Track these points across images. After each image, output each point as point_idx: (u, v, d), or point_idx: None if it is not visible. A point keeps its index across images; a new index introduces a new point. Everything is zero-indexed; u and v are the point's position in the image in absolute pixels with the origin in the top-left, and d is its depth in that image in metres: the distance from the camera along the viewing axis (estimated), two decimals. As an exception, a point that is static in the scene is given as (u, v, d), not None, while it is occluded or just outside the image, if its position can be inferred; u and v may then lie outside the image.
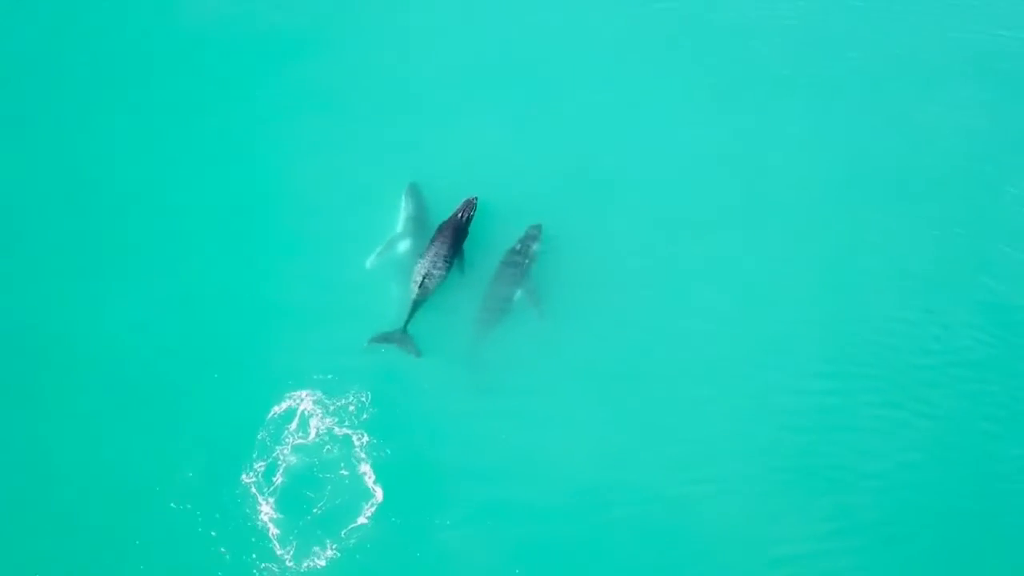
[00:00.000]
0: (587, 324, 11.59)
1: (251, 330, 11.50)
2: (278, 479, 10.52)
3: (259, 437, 10.74)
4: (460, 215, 11.75)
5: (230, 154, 12.74)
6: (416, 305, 11.20)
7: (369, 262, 11.78)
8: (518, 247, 11.72)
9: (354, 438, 10.79)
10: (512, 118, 13.09)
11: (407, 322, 11.15)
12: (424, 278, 11.25)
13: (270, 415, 10.85)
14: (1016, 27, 14.05)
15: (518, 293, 11.53)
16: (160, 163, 12.62)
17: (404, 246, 11.92)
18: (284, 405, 10.93)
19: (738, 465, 10.87)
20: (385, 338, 11.13)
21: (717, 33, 13.88)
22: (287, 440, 10.74)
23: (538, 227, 11.87)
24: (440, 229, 11.72)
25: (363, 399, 10.99)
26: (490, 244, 11.96)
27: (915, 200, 12.62)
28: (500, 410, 11.05)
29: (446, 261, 11.46)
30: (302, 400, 10.95)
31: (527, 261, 11.63)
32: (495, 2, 14.10)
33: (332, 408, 10.94)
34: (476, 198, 11.92)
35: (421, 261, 11.43)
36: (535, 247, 11.71)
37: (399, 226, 12.08)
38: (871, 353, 11.48)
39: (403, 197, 12.25)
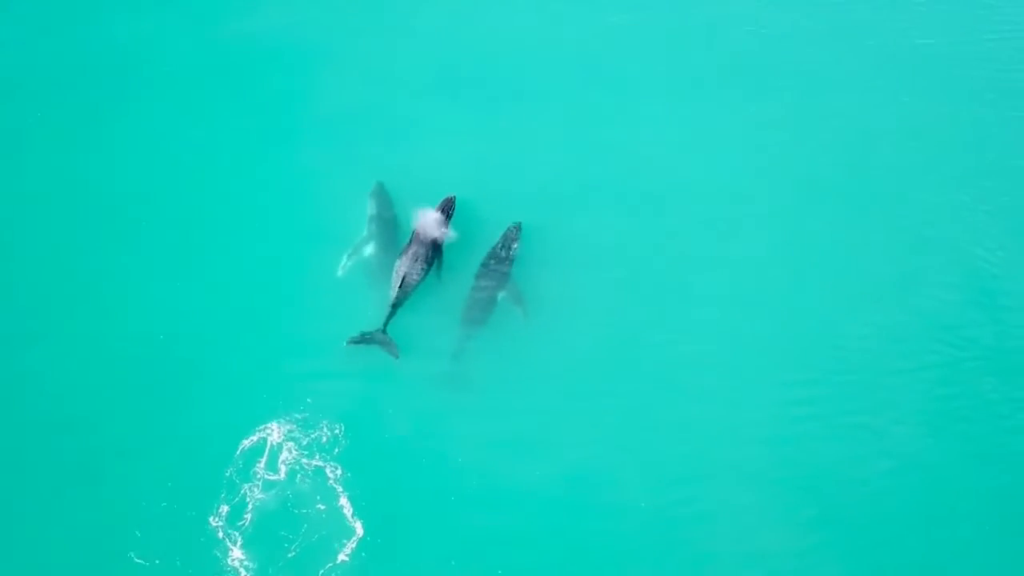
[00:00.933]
0: (568, 327, 11.25)
1: (216, 357, 10.87)
2: (248, 519, 9.86)
3: (227, 474, 10.04)
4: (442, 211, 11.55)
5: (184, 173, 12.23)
6: (396, 305, 10.89)
7: (340, 269, 11.42)
8: (500, 247, 11.50)
9: (328, 470, 10.14)
10: (487, 119, 12.86)
11: (386, 322, 10.82)
12: (404, 277, 10.96)
13: (239, 450, 10.20)
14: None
15: (502, 294, 11.28)
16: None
17: (372, 248, 11.57)
18: (253, 438, 10.29)
19: (720, 467, 10.53)
20: (364, 339, 10.76)
21: (695, 34, 13.79)
22: (257, 476, 10.07)
23: (517, 226, 11.67)
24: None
25: (337, 431, 10.37)
26: (468, 244, 11.64)
27: (887, 203, 12.39)
28: (481, 436, 10.50)
29: (425, 261, 11.19)
30: (272, 432, 10.28)
31: (509, 261, 11.42)
32: (473, 4, 13.91)
33: (305, 441, 10.30)
34: (454, 196, 11.68)
35: (400, 260, 11.18)
36: (516, 247, 11.52)
37: (366, 228, 11.70)
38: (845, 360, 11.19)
39: (369, 198, 11.90)
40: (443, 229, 11.45)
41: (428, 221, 11.45)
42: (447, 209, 11.56)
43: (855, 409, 10.87)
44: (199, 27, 13.44)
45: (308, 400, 10.50)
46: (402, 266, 11.09)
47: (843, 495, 10.39)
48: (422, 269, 11.15)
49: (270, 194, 12.09)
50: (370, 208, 11.82)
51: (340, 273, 11.39)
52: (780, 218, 12.23)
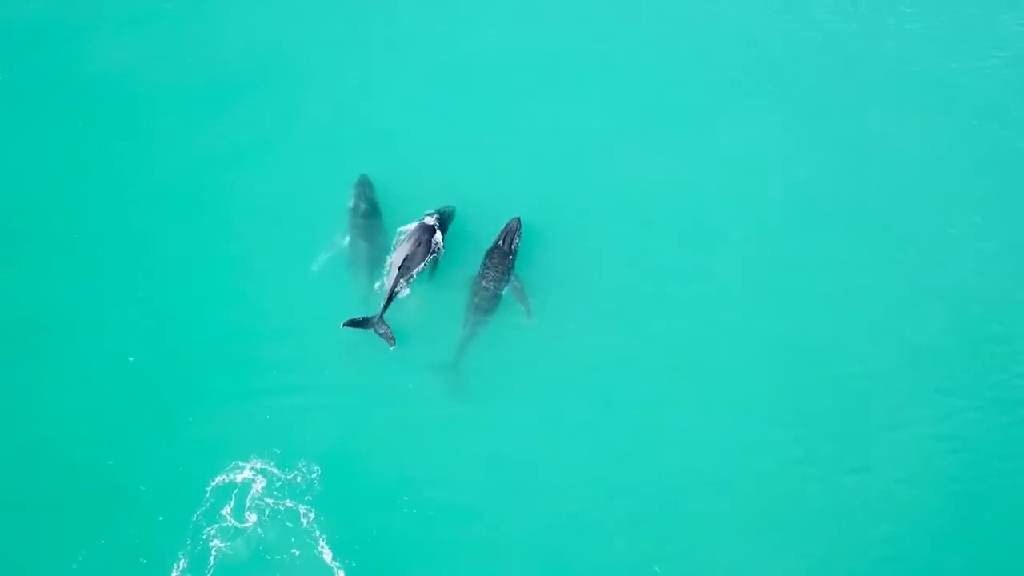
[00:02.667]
0: (569, 328, 11.07)
1: (187, 385, 10.35)
2: (212, 567, 9.33)
3: (194, 519, 9.50)
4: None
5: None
6: (394, 293, 10.61)
7: (316, 264, 11.13)
8: (501, 241, 11.24)
9: (302, 512, 9.68)
10: (484, 118, 12.67)
11: (383, 309, 10.52)
12: (404, 260, 10.70)
13: (208, 490, 9.67)
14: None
15: (505, 289, 11.09)
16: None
17: (350, 239, 11.24)
18: (224, 478, 9.76)
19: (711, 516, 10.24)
20: (361, 323, 10.51)
21: (691, 43, 13.58)
22: (226, 521, 9.55)
23: (517, 220, 11.39)
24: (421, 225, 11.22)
25: (314, 474, 9.90)
26: (465, 244, 11.43)
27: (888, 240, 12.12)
28: (468, 477, 10.13)
29: (427, 253, 10.92)
30: (244, 470, 9.78)
31: (511, 255, 11.18)
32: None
33: (278, 483, 9.82)
34: (453, 208, 11.50)
35: (400, 248, 10.97)
36: (517, 240, 11.28)
37: (348, 220, 11.36)
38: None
39: (353, 189, 11.55)
40: (437, 236, 11.13)
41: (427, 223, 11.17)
42: (444, 220, 11.25)
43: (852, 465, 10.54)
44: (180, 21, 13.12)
45: (283, 432, 10.05)
46: (402, 252, 10.83)
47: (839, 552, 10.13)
48: (423, 258, 10.87)
49: (244, 212, 11.60)
50: (352, 199, 11.48)
51: (315, 268, 11.05)
52: (785, 230, 12.02)
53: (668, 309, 11.28)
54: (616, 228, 11.83)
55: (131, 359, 10.43)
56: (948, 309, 11.50)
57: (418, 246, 10.83)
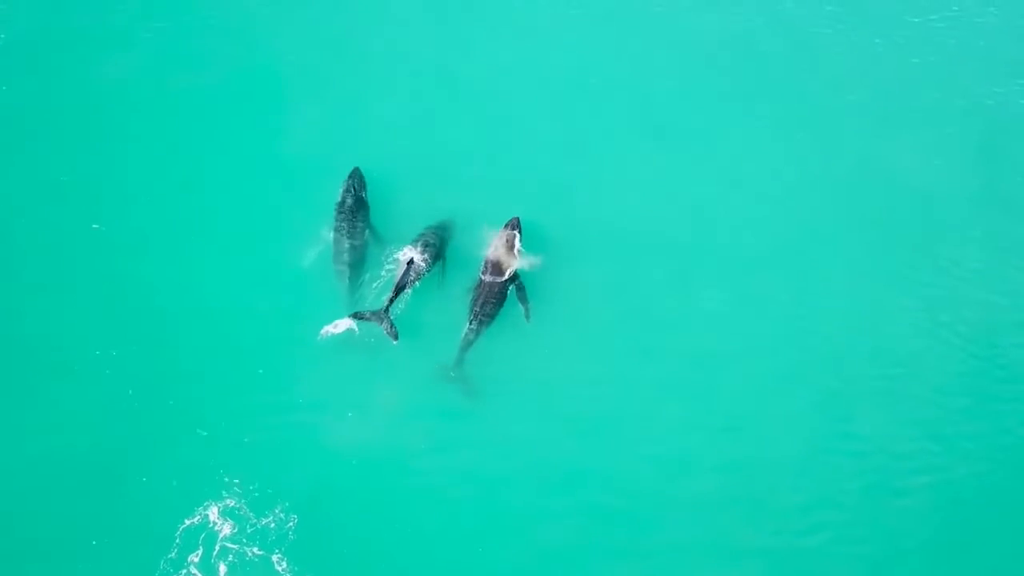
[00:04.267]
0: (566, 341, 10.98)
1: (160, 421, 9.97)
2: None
3: (161, 566, 9.17)
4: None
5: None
6: (401, 288, 10.68)
7: (305, 259, 11.16)
8: (503, 240, 11.27)
9: (275, 560, 9.32)
10: (484, 123, 12.78)
11: (389, 303, 10.62)
12: (412, 261, 10.84)
13: (177, 534, 9.31)
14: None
15: (511, 287, 11.12)
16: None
17: (337, 238, 11.22)
18: (195, 520, 9.40)
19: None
20: (366, 315, 10.57)
21: (695, 47, 13.70)
22: (192, 568, 9.20)
23: (517, 219, 11.48)
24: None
25: (290, 524, 9.53)
26: (467, 248, 11.45)
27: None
28: (454, 525, 9.79)
29: (434, 254, 11.10)
30: (213, 513, 9.43)
31: (514, 255, 11.22)
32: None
33: (250, 530, 9.46)
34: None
35: (408, 248, 11.09)
36: (518, 238, 11.32)
37: (334, 214, 11.34)
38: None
39: (345, 182, 11.61)
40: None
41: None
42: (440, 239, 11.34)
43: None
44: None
45: (257, 472, 9.71)
46: (409, 251, 10.97)
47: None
48: (430, 259, 11.01)
49: (218, 226, 11.52)
50: (340, 193, 11.52)
51: (305, 264, 11.06)
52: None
53: (663, 322, 11.17)
54: (613, 235, 11.78)
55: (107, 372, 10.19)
56: (946, 335, 11.27)
57: (426, 247, 10.99)
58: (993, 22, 14.19)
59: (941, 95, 13.36)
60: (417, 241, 11.10)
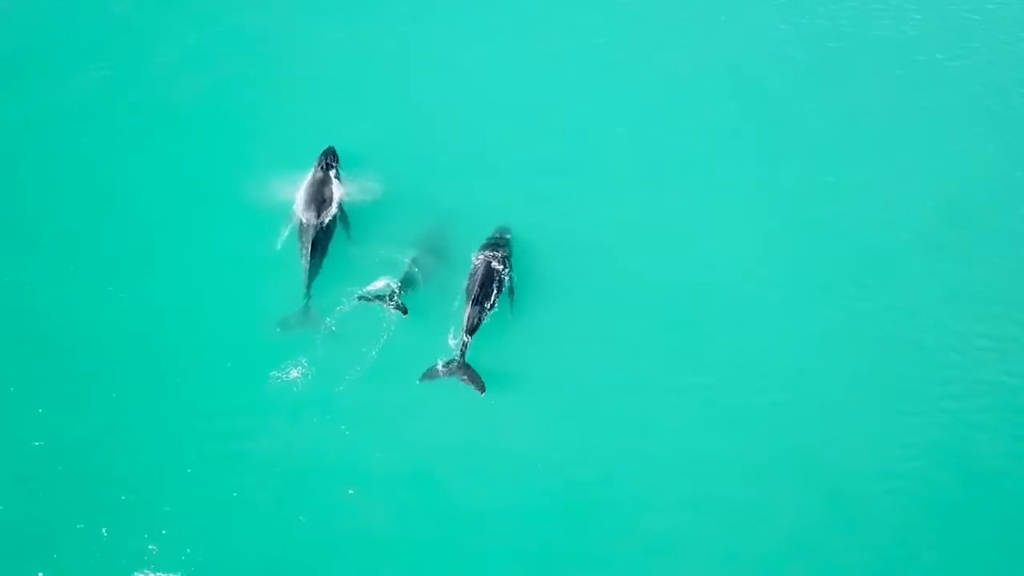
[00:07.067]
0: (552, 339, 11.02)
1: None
2: None
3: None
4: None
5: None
6: (408, 281, 10.88)
7: (279, 242, 11.18)
8: (497, 236, 11.49)
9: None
10: (483, 125, 12.87)
11: (399, 292, 10.75)
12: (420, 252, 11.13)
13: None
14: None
15: (507, 276, 11.14)
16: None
17: (300, 216, 11.15)
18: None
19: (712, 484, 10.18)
20: (376, 296, 10.68)
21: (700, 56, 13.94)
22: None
23: (507, 228, 11.72)
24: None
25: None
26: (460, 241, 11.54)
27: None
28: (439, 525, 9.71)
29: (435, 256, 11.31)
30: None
31: (508, 246, 11.41)
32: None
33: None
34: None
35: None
36: (509, 237, 11.55)
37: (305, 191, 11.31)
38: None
39: (319, 159, 11.66)
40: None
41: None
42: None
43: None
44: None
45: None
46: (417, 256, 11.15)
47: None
48: (432, 260, 11.20)
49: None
50: (316, 169, 11.55)
51: (279, 247, 11.08)
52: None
53: (663, 322, 11.23)
54: (610, 242, 11.87)
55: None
56: (939, 370, 11.29)
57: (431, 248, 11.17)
58: (990, 71, 14.31)
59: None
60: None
